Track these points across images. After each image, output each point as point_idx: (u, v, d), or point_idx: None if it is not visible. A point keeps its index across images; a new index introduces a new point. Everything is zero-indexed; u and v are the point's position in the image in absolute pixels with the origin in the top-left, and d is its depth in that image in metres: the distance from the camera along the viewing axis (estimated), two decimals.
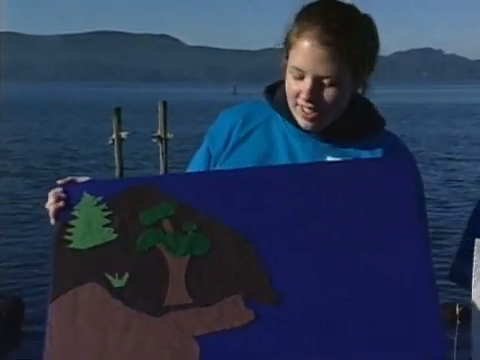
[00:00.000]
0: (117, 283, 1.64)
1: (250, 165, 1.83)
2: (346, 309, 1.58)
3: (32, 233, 13.09)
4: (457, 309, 7.56)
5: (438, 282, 1.60)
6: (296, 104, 1.80)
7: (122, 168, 17.17)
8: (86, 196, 1.72)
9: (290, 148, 1.86)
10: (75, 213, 1.71)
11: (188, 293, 1.61)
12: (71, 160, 24.93)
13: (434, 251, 1.67)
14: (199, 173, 1.87)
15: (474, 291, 1.81)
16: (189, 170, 1.96)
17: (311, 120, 1.80)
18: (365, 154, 1.83)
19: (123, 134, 17.20)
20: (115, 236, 1.68)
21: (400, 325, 1.56)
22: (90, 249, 1.68)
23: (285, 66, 1.82)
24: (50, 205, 1.74)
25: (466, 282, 1.88)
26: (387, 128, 1.91)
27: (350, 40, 1.72)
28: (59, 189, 1.75)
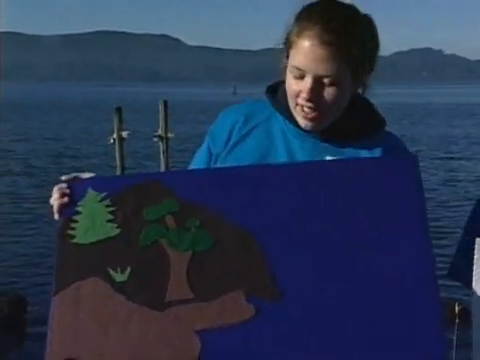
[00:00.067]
0: (119, 277, 1.65)
1: (249, 163, 1.83)
2: (346, 308, 1.58)
3: (34, 232, 13.10)
4: (456, 308, 7.57)
5: (437, 281, 1.60)
6: (296, 104, 1.81)
7: (123, 167, 17.15)
8: (90, 192, 1.73)
9: (289, 147, 1.87)
10: (79, 209, 1.72)
11: (189, 288, 1.62)
12: (72, 159, 24.91)
13: (434, 250, 1.67)
14: (202, 170, 1.88)
15: (474, 291, 1.80)
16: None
17: (311, 120, 1.81)
18: (364, 154, 1.83)
19: (124, 133, 17.17)
20: (118, 231, 1.69)
21: (400, 325, 1.56)
22: (93, 244, 1.69)
23: (285, 66, 1.82)
24: (55, 200, 1.76)
25: (465, 281, 1.87)
26: (387, 128, 1.90)
27: (350, 40, 1.73)
28: (64, 185, 1.77)
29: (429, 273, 1.60)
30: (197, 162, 1.97)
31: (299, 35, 1.76)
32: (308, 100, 1.77)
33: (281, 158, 1.85)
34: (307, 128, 1.83)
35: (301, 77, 1.77)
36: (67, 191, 1.76)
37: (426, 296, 1.58)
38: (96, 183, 1.75)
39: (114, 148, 17.41)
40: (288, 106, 1.85)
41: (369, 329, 1.56)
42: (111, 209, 1.71)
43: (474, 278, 1.81)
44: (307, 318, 1.57)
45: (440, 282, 1.61)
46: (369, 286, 1.59)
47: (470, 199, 15.02)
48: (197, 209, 1.67)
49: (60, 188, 1.77)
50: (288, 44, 1.81)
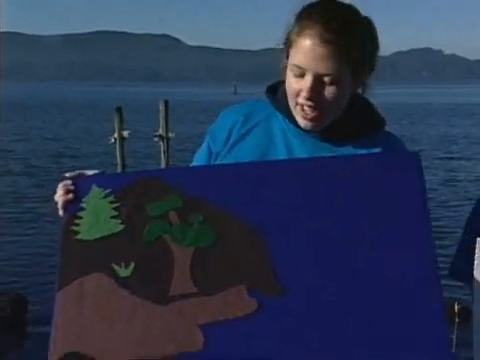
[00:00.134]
0: (123, 273, 1.66)
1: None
2: (347, 306, 1.58)
3: (34, 232, 13.09)
4: (456, 307, 7.61)
5: (440, 280, 1.60)
6: (296, 103, 1.81)
7: (124, 167, 17.16)
8: (94, 188, 1.74)
9: (289, 146, 1.87)
10: (83, 205, 1.73)
11: (193, 283, 1.62)
12: (73, 159, 24.88)
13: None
14: (206, 166, 1.89)
15: (475, 290, 1.80)
16: None
17: (311, 120, 1.81)
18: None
19: (125, 133, 17.18)
20: (122, 227, 1.70)
21: (401, 323, 1.56)
22: (97, 240, 1.70)
23: (285, 66, 1.83)
24: (59, 197, 1.77)
25: (466, 280, 1.88)
26: (387, 128, 1.90)
27: (350, 39, 1.73)
28: (68, 181, 1.78)
29: (431, 271, 1.60)
30: (197, 161, 1.98)
31: (299, 34, 1.77)
32: (308, 99, 1.77)
33: (281, 157, 1.86)
34: (307, 128, 1.84)
35: (301, 76, 1.77)
36: (71, 188, 1.77)
37: (428, 295, 1.58)
38: (100, 180, 1.77)
39: (115, 148, 17.44)
40: (288, 106, 1.85)
41: (370, 327, 1.56)
42: (115, 205, 1.72)
43: (475, 278, 1.81)
44: (309, 315, 1.58)
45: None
46: (371, 284, 1.59)
47: (470, 199, 15.01)
48: (200, 205, 1.68)
49: (64, 185, 1.78)
50: (288, 43, 1.81)
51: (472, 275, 1.81)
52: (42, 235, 12.61)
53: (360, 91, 1.89)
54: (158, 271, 1.65)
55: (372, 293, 1.59)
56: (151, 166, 21.19)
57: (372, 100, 1.92)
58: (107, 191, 1.73)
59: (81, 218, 1.73)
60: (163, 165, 17.32)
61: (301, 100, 1.79)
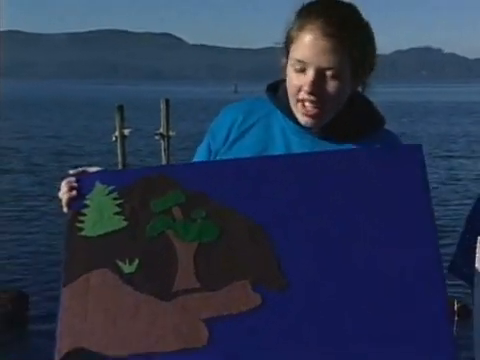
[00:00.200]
0: (128, 269, 1.67)
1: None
2: (348, 302, 1.58)
3: (36, 229, 13.11)
4: (456, 305, 7.61)
5: (444, 276, 1.60)
6: (297, 100, 1.80)
7: (125, 165, 17.18)
8: (98, 185, 1.75)
9: (288, 144, 1.87)
10: (87, 202, 1.75)
11: (196, 278, 1.63)
12: (75, 157, 24.85)
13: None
14: (208, 162, 1.90)
15: (476, 290, 1.81)
16: None
17: (312, 117, 1.80)
18: None
19: (126, 131, 17.20)
20: (125, 224, 1.71)
21: (402, 319, 1.56)
22: (101, 236, 1.71)
23: (286, 64, 1.83)
24: (63, 194, 1.78)
25: (466, 278, 1.90)
26: (387, 126, 1.90)
27: (351, 34, 1.74)
28: (72, 179, 1.79)
29: (435, 267, 1.59)
30: (198, 159, 1.98)
31: (301, 29, 1.77)
32: (310, 93, 1.77)
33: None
34: (307, 125, 1.83)
35: (302, 71, 1.77)
36: (75, 185, 1.78)
37: (430, 290, 1.58)
38: (104, 177, 1.78)
39: (116, 146, 17.46)
40: (288, 104, 1.85)
41: (371, 323, 1.57)
42: (118, 202, 1.73)
43: (475, 278, 1.82)
44: (312, 310, 1.59)
45: None
46: (371, 280, 1.60)
47: (470, 197, 15.02)
48: (204, 201, 1.69)
49: (68, 182, 1.79)
50: (289, 40, 1.81)
51: (472, 273, 1.82)
52: (43, 233, 12.64)
53: (360, 89, 1.89)
54: (161, 267, 1.66)
55: (374, 288, 1.59)
56: (152, 164, 21.15)
57: (372, 99, 1.92)
58: (111, 188, 1.74)
59: (85, 215, 1.74)
60: (164, 163, 17.32)
61: (302, 95, 1.79)
